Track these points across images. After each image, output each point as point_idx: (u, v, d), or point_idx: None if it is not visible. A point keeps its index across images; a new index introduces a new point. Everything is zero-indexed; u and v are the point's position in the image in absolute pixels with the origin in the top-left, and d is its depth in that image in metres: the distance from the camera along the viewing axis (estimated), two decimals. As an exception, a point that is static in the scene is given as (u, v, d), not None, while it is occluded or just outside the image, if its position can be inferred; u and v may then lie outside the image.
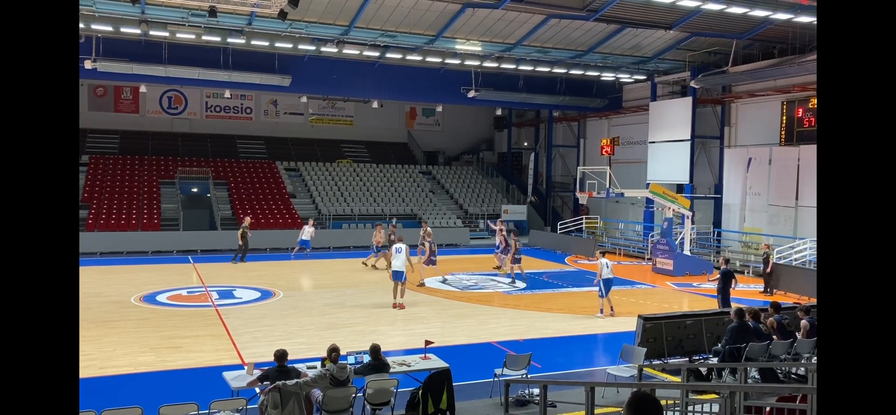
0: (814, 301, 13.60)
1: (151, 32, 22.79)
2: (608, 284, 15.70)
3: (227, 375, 8.55)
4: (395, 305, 15.97)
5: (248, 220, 24.41)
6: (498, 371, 9.50)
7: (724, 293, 15.57)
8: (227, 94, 32.87)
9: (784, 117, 24.61)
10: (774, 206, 24.56)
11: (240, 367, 9.41)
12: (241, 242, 23.19)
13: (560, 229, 31.44)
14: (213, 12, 19.01)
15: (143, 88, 29.82)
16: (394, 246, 16.64)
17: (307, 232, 24.25)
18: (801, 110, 23.86)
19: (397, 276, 16.03)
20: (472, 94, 29.81)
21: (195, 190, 31.12)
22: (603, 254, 16.74)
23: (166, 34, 23.18)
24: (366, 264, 22.57)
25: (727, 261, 16.85)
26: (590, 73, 28.88)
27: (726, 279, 15.55)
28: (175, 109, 35.23)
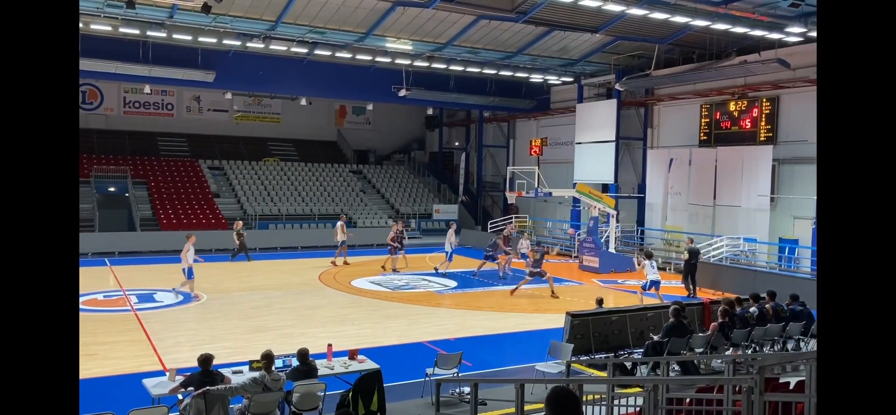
0: (730, 296, 14.22)
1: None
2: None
3: (148, 382, 8.19)
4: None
5: (239, 223, 23.97)
6: (429, 371, 9.49)
7: (689, 276, 16.12)
8: (147, 89, 31.44)
9: (703, 120, 25.64)
10: (694, 204, 25.57)
11: (161, 373, 9.05)
12: (237, 241, 22.69)
13: (490, 228, 31.75)
14: (131, 4, 18.21)
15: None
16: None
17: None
18: (718, 113, 24.94)
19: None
20: (403, 92, 29.70)
21: (112, 189, 29.75)
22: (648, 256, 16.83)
23: (80, 25, 22.02)
24: (335, 264, 22.93)
25: (692, 240, 17.39)
26: (519, 74, 29.28)
27: (691, 263, 16.17)
28: (90, 104, 33.52)
